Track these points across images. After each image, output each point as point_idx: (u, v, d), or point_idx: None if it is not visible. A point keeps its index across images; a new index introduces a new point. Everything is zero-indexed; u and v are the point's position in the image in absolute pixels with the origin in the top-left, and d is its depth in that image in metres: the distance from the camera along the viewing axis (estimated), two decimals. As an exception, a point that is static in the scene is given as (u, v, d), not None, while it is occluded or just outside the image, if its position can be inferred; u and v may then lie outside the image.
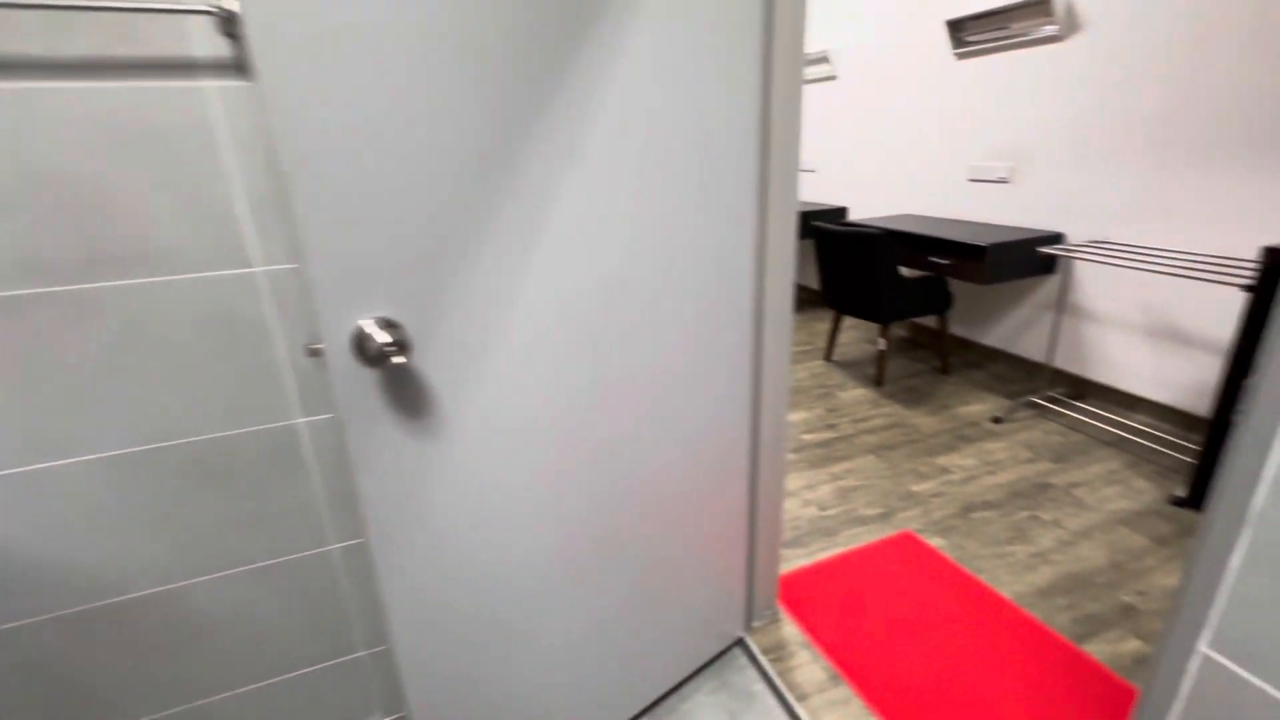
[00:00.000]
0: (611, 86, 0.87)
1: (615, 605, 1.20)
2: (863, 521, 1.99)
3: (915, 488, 2.16)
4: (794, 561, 1.81)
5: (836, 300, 3.11)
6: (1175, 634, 0.69)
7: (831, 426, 2.62)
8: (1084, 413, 2.61)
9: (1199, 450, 2.21)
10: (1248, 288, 1.78)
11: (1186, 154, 2.24)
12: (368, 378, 0.77)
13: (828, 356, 3.39)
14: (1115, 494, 2.07)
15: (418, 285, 0.78)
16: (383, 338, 0.73)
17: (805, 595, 1.68)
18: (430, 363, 0.82)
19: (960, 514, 2.01)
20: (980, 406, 2.75)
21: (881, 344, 2.95)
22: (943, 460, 2.32)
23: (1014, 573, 1.74)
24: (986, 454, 2.35)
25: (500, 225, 0.82)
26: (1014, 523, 1.95)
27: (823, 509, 2.06)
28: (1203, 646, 0.67)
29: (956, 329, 3.41)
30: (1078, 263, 2.66)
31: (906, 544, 1.87)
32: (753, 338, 1.25)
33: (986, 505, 2.04)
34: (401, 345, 0.75)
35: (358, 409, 0.78)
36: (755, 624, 1.59)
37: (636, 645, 1.28)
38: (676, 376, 1.13)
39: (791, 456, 2.39)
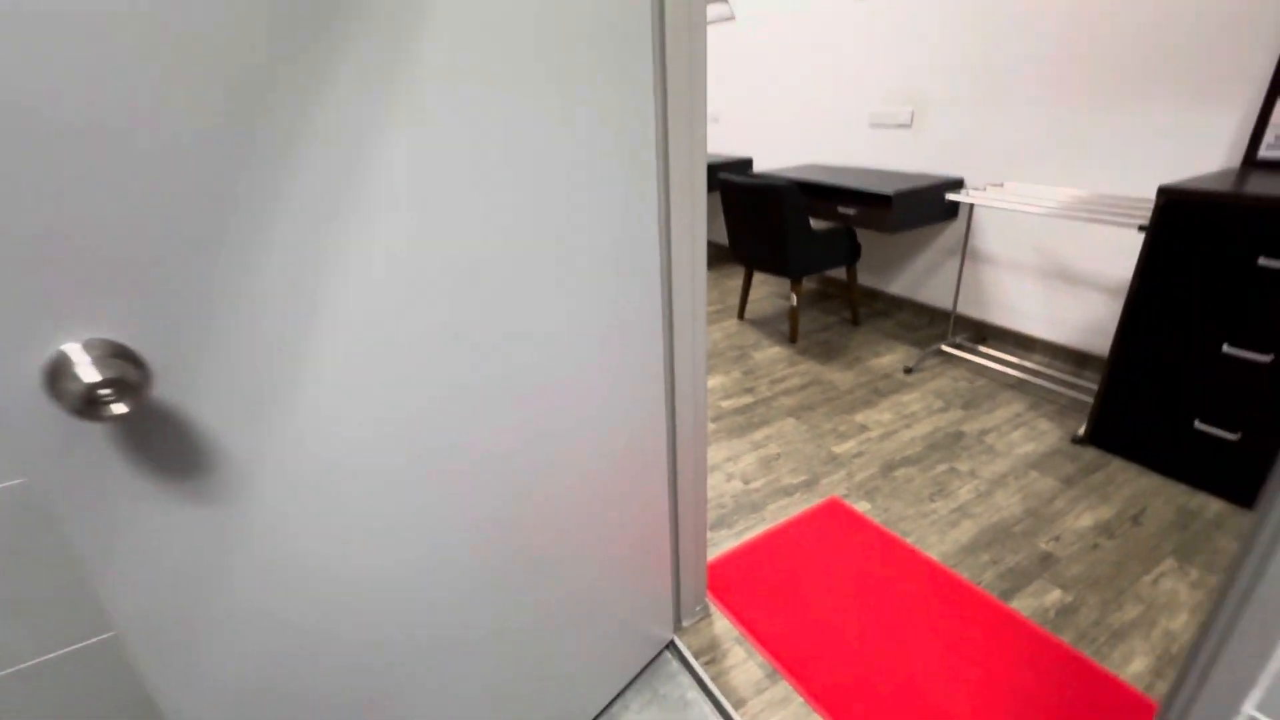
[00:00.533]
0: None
1: (519, 645, 1.01)
2: (788, 492, 1.90)
3: (837, 449, 2.10)
4: (722, 545, 1.69)
5: (746, 256, 2.98)
6: (1207, 692, 0.57)
7: (750, 390, 2.52)
8: (987, 357, 2.66)
9: (1095, 390, 2.28)
10: (1142, 228, 1.79)
11: (1086, 94, 2.24)
12: (88, 431, 0.51)
13: (741, 315, 3.29)
14: (1022, 437, 2.11)
15: (166, 284, 0.51)
16: (92, 375, 0.47)
17: (736, 583, 1.56)
18: (199, 398, 0.56)
19: (882, 473, 1.96)
20: (891, 357, 2.74)
21: (793, 299, 2.87)
22: (860, 417, 2.28)
23: (939, 531, 1.70)
24: (901, 407, 2.34)
25: (301, 186, 0.56)
26: (934, 477, 1.93)
27: (747, 482, 1.95)
28: (1249, 709, 0.56)
29: (864, 279, 3.40)
30: (979, 208, 2.66)
31: (834, 512, 1.80)
32: (663, 305, 1.06)
33: (906, 461, 2.01)
34: (127, 385, 0.48)
35: (72, 476, 0.51)
36: (685, 623, 1.45)
37: (551, 679, 1.10)
38: (575, 361, 0.92)
39: (711, 427, 2.27)
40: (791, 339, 2.95)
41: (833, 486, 1.91)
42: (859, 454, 2.06)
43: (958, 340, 2.78)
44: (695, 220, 1.05)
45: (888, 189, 2.54)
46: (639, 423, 1.08)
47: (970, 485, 1.88)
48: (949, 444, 2.09)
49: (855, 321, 3.12)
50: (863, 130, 3.11)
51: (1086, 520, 1.72)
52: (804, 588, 1.54)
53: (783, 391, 2.50)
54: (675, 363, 1.12)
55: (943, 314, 3.01)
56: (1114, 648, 1.35)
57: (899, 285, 3.21)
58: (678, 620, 1.44)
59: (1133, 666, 1.30)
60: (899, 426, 2.21)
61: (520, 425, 0.87)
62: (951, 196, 2.43)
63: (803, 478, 1.96)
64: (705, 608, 1.49)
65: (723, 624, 1.46)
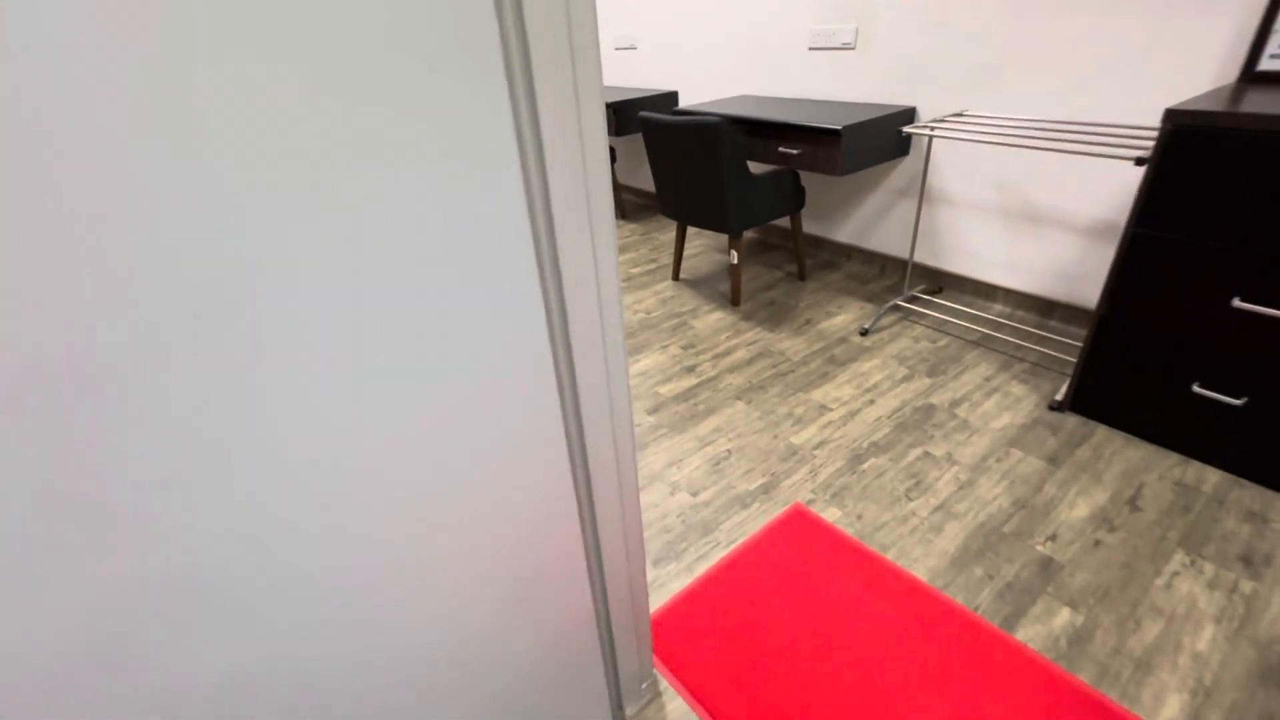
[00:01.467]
0: None
1: None
2: (744, 502, 1.59)
3: (796, 438, 1.80)
4: (668, 585, 1.37)
5: (677, 209, 2.58)
6: None
7: (691, 370, 2.18)
8: (946, 310, 2.41)
9: (1066, 343, 2.05)
10: (1140, 161, 1.50)
11: (1055, 2, 1.91)
12: None
13: (675, 275, 2.91)
14: (996, 407, 1.87)
15: None
16: None
17: (688, 640, 1.25)
18: None
19: (850, 466, 1.68)
20: (845, 317, 2.45)
21: (733, 257, 2.52)
22: (818, 395, 1.99)
23: (922, 540, 1.44)
24: (862, 378, 2.06)
25: None
26: (908, 468, 1.66)
27: (695, 494, 1.63)
28: None
29: (808, 226, 3.08)
30: (936, 142, 2.34)
31: (798, 524, 1.51)
32: (541, 278, 0.67)
33: (875, 449, 1.74)
34: None
35: None
36: (628, 711, 1.14)
37: None
38: (395, 401, 0.53)
39: (650, 421, 1.92)
40: (734, 302, 2.61)
41: (795, 489, 1.62)
42: (821, 443, 1.77)
43: (914, 293, 2.52)
44: (590, 167, 0.64)
45: (836, 123, 2.18)
46: (516, 455, 0.71)
47: (949, 474, 1.63)
48: (919, 421, 1.83)
49: (802, 276, 2.80)
50: (800, 54, 2.70)
51: (1082, 509, 1.50)
52: (771, 636, 1.24)
53: (729, 368, 2.17)
54: (575, 359, 0.73)
55: (895, 263, 2.74)
56: (1141, 684, 1.12)
57: (846, 232, 2.90)
58: (618, 707, 1.12)
59: (1167, 710, 1.08)
60: (862, 404, 1.93)
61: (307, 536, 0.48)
62: (908, 129, 2.10)
63: (760, 481, 1.65)
64: (654, 683, 1.17)
65: (675, 704, 1.15)
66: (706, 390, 2.05)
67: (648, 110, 3.21)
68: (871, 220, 2.76)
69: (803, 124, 2.27)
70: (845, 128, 2.15)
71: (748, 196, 2.37)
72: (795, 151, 2.34)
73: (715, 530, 1.51)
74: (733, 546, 1.46)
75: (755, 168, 3.16)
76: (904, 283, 2.49)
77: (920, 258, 2.62)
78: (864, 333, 2.32)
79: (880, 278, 2.76)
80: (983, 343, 2.20)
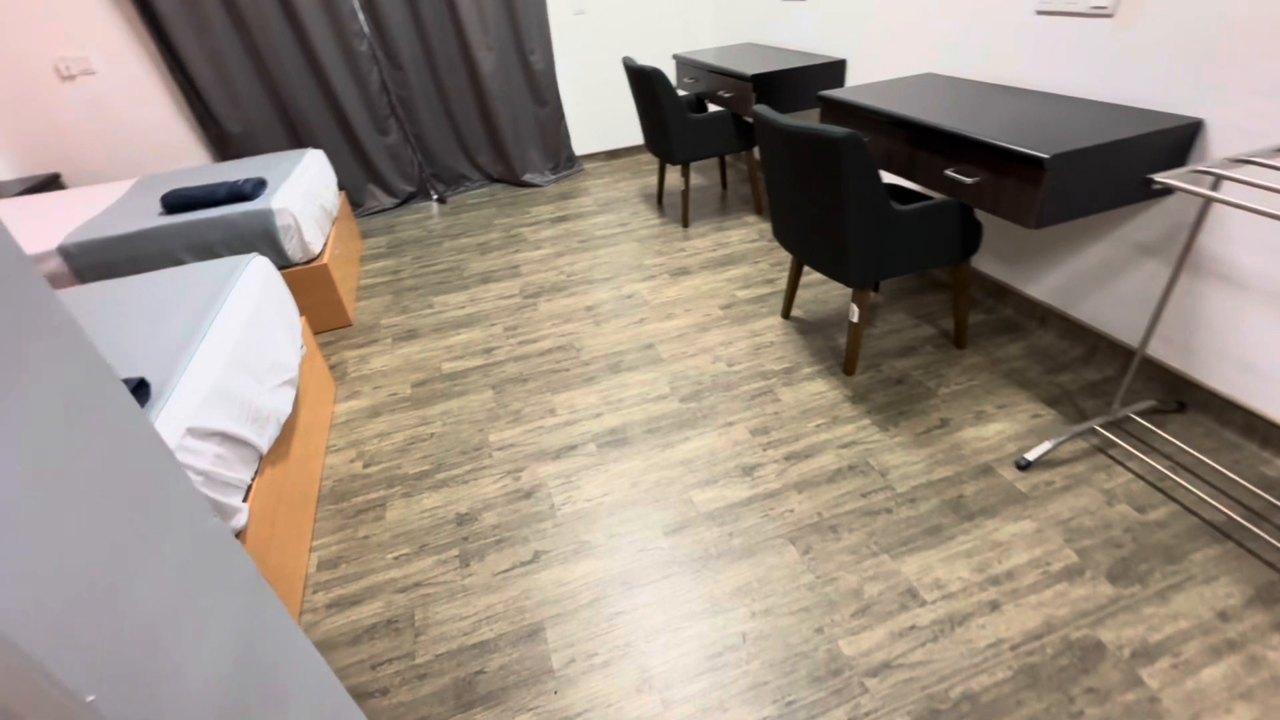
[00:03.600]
0: None
1: None
2: (729, 744, 1.08)
3: (848, 644, 1.21)
4: None
5: (790, 238, 1.95)
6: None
7: (749, 471, 1.62)
8: (1182, 455, 1.53)
9: None
10: None
11: None
12: None
13: (786, 312, 2.28)
14: (1228, 680, 1.08)
15: None
16: None
17: None
18: None
19: (917, 730, 1.07)
20: (1002, 427, 1.68)
21: (854, 314, 1.84)
22: (911, 566, 1.34)
23: None
24: (993, 553, 1.35)
25: None
26: (1017, 770, 1.01)
27: (667, 702, 1.15)
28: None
29: (989, 265, 2.21)
30: (1226, 183, 1.41)
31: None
32: None
33: (974, 710, 1.09)
34: None
35: None
36: None
37: None
38: None
39: (663, 545, 1.44)
40: (847, 370, 1.95)
41: (814, 746, 1.06)
42: (885, 666, 1.17)
43: (1132, 412, 1.64)
44: None
45: (1042, 145, 1.38)
46: None
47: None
48: (1067, 675, 1.13)
49: (959, 343, 2.01)
50: (1023, 19, 1.82)
51: None
52: None
53: (800, 481, 1.58)
54: None
55: (1113, 350, 1.83)
56: None
57: (1045, 286, 2.02)
58: None
59: None
60: (976, 605, 1.25)
61: None
62: (1170, 180, 1.23)
63: (766, 711, 1.12)
64: None
65: None
66: (755, 513, 1.51)
67: (808, 83, 2.56)
68: (1089, 278, 1.86)
69: (984, 140, 1.49)
70: (1055, 157, 1.35)
71: (884, 240, 1.67)
72: (968, 180, 1.57)
73: (668, 786, 1.04)
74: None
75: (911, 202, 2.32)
76: (1119, 387, 1.62)
77: (1159, 352, 1.70)
78: (1023, 466, 1.55)
79: (1083, 367, 1.88)
80: (1234, 532, 1.33)
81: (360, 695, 1.22)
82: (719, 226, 3.06)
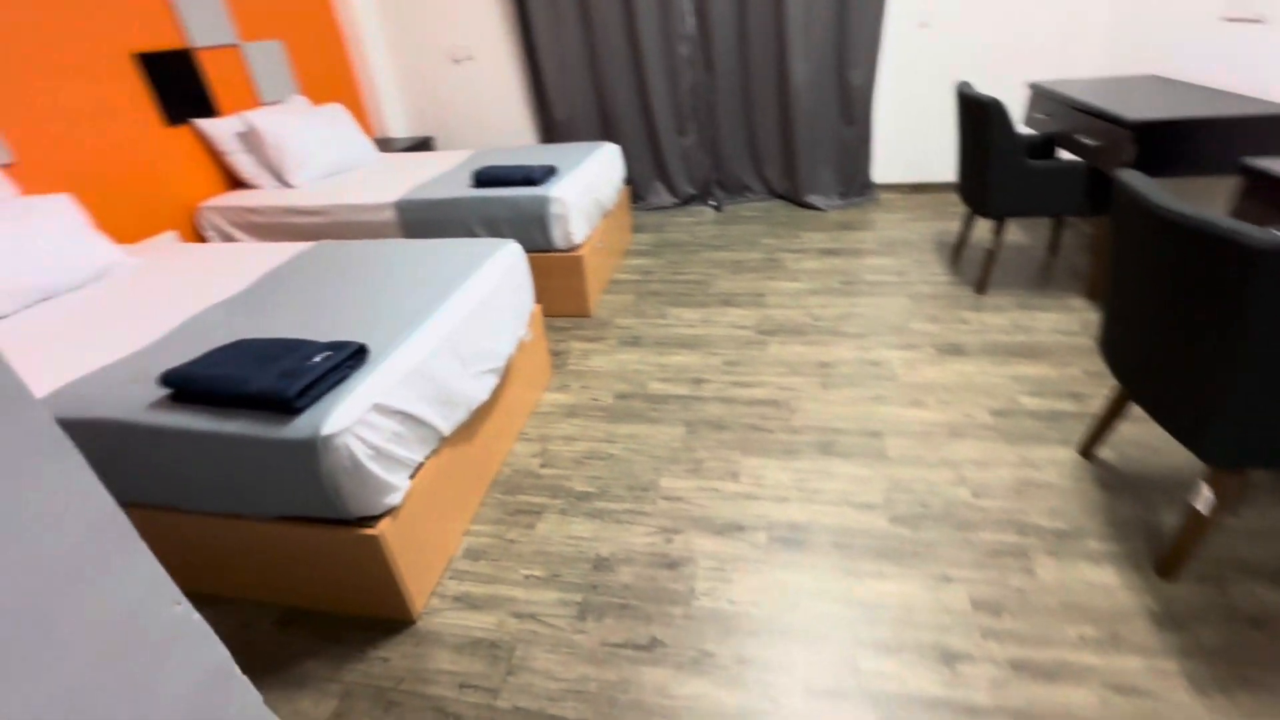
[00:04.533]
0: None
1: None
2: None
3: None
4: None
5: (1126, 364, 1.37)
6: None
7: (951, 665, 1.19)
8: None
9: None
10: None
11: None
12: None
13: (1086, 449, 1.65)
14: None
15: None
16: None
17: None
18: None
19: None
20: None
21: (1204, 500, 1.21)
22: None
23: None
24: None
25: None
26: None
27: None
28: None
29: None
30: None
31: None
32: None
33: None
34: None
35: None
36: None
37: None
38: None
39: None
40: (1164, 569, 1.31)
41: None
42: None
43: None
44: None
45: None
46: None
47: None
48: None
49: None
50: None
51: None
52: None
53: (1019, 712, 1.10)
54: None
55: None
56: None
57: None
58: None
59: None
60: None
61: None
62: None
63: None
64: None
65: None
66: (936, 727, 1.09)
67: (1231, 142, 1.88)
68: None
69: None
70: None
71: (1297, 411, 1.04)
72: None
73: None
74: None
75: None
76: None
77: None
78: None
79: None
80: None
81: (436, 710, 1.20)
82: (1026, 302, 2.40)
